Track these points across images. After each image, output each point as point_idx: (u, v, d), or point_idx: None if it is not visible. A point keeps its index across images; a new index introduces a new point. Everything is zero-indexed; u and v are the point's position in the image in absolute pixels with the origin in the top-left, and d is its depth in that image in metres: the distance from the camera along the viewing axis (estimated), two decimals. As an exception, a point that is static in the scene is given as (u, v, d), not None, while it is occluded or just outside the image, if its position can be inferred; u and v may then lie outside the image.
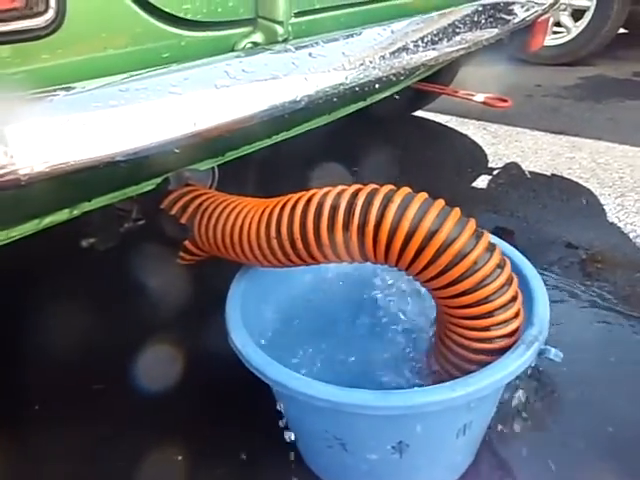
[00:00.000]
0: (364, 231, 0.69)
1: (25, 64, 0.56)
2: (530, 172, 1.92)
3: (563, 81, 2.94)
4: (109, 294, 1.30)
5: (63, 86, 0.56)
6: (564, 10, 3.15)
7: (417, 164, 1.99)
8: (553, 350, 0.69)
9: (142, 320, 1.20)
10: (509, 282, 0.69)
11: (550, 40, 3.19)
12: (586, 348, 1.09)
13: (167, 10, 0.65)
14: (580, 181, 1.83)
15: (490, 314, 0.68)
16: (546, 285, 1.25)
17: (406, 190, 0.70)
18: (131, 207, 1.08)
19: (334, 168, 1.61)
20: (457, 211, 0.68)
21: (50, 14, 0.54)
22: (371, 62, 0.84)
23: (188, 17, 0.68)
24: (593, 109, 2.52)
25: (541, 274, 1.30)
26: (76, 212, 0.85)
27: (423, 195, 0.69)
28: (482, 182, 1.86)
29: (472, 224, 0.68)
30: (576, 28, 3.13)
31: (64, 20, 0.56)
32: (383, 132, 2.24)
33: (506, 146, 2.14)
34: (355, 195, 0.71)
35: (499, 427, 0.92)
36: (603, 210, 1.64)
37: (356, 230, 0.69)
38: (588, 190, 1.77)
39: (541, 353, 0.69)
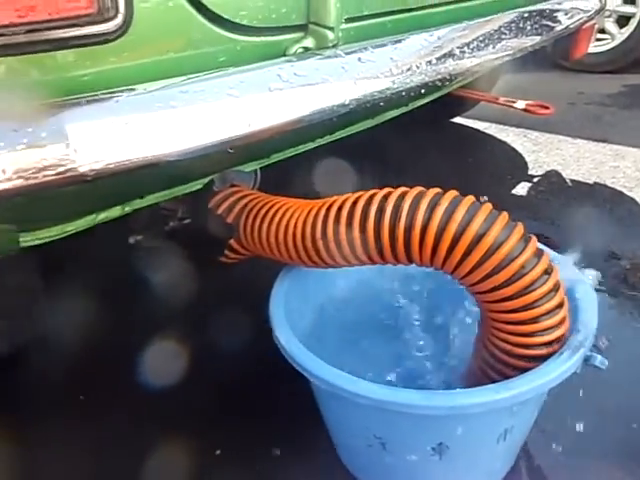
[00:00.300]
0: (410, 234, 0.69)
1: (94, 66, 0.59)
2: (572, 180, 1.89)
3: (607, 89, 2.89)
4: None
5: (127, 87, 0.59)
6: (609, 17, 3.09)
7: (455, 170, 1.98)
8: (599, 357, 0.68)
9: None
10: (556, 288, 0.68)
11: (594, 47, 3.12)
12: (629, 357, 1.07)
13: (225, 16, 0.68)
14: (624, 190, 1.79)
15: (535, 320, 0.68)
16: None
17: (453, 193, 0.70)
18: (176, 207, 1.12)
19: (373, 173, 1.62)
20: (505, 215, 0.69)
21: (119, 19, 0.57)
22: (418, 67, 0.85)
23: (244, 23, 0.70)
24: (637, 117, 2.46)
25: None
26: (128, 209, 0.88)
27: (470, 198, 0.70)
28: (522, 189, 1.84)
29: (520, 228, 0.68)
30: (621, 35, 3.07)
31: (131, 25, 0.59)
32: (421, 138, 2.23)
33: (547, 154, 2.11)
34: (402, 198, 0.72)
35: (538, 434, 0.92)
36: (648, 220, 1.61)
37: (402, 233, 0.70)
38: (632, 199, 1.73)
39: (586, 360, 0.69)
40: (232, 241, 0.94)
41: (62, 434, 0.99)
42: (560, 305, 0.69)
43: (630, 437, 0.92)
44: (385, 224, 0.71)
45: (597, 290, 1.13)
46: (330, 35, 0.77)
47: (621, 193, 1.77)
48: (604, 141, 2.18)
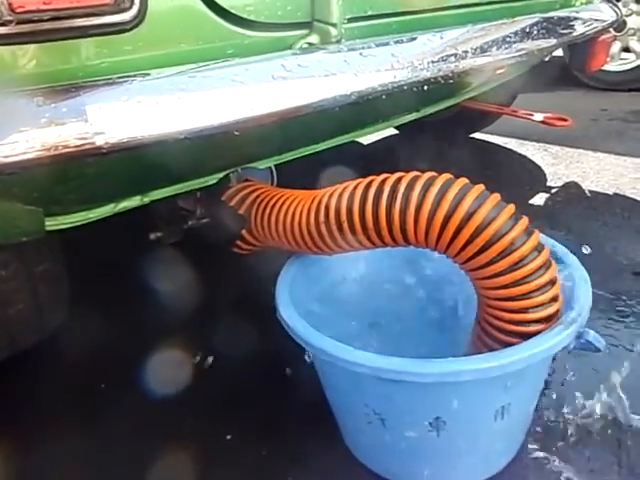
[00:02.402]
0: (405, 213, 0.73)
1: (111, 55, 0.66)
2: (591, 191, 1.89)
3: (631, 106, 2.88)
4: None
5: (141, 72, 0.65)
6: (633, 35, 3.11)
7: (473, 182, 2.00)
8: (592, 332, 0.69)
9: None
10: (546, 265, 0.70)
11: (618, 65, 3.14)
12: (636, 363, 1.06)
13: (233, 12, 0.74)
14: (644, 200, 1.79)
15: (526, 295, 0.70)
16: (602, 300, 1.25)
17: (447, 176, 0.74)
18: (195, 207, 1.18)
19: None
20: (496, 195, 0.72)
21: (134, 10, 0.63)
22: (420, 64, 0.89)
23: (251, 18, 0.76)
24: (662, 133, 2.45)
25: (596, 289, 1.29)
26: (146, 200, 0.94)
27: (463, 180, 0.73)
28: (539, 199, 1.85)
29: (510, 208, 0.71)
30: (645, 53, 3.07)
31: (145, 17, 0.65)
32: (441, 152, 2.27)
33: (566, 167, 2.12)
34: (398, 181, 0.75)
35: (543, 424, 0.92)
36: (667, 228, 1.59)
37: (398, 213, 0.73)
38: (651, 209, 1.72)
39: (579, 336, 0.70)
40: (244, 231, 0.99)
41: (64, 438, 1.00)
42: (551, 282, 0.71)
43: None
44: (382, 206, 0.75)
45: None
46: (333, 32, 0.82)
47: (640, 203, 1.77)
48: (625, 155, 2.18)
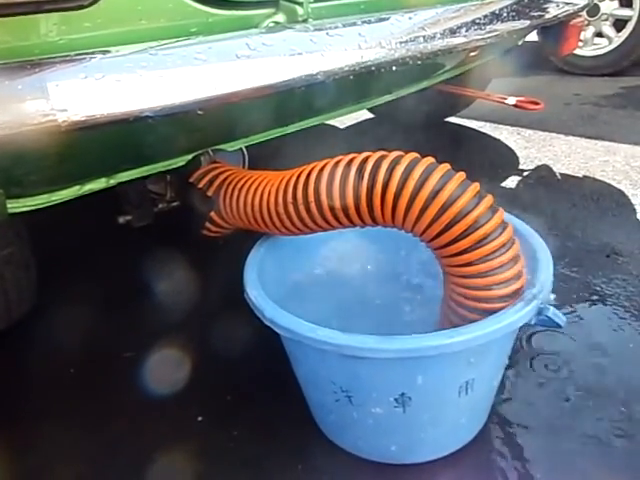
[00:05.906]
0: (372, 192, 0.73)
1: (70, 32, 0.64)
2: (561, 174, 1.92)
3: (603, 90, 2.91)
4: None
5: (101, 49, 0.64)
6: (606, 20, 3.13)
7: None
8: (551, 309, 0.71)
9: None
10: (510, 243, 0.71)
11: (591, 50, 3.17)
12: (607, 342, 1.09)
13: (196, -12, 0.73)
14: (612, 182, 1.81)
15: (490, 272, 0.71)
16: (571, 280, 1.27)
17: (413, 155, 0.74)
18: (165, 190, 1.16)
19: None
20: (461, 174, 0.72)
21: (91, -15, 0.62)
22: (387, 44, 0.89)
23: (215, -4, 0.75)
24: (632, 116, 2.48)
25: (566, 269, 1.31)
26: (113, 182, 0.92)
27: (429, 159, 0.73)
28: (512, 182, 1.87)
29: (475, 186, 0.71)
30: (618, 38, 3.10)
31: (104, -8, 0.64)
32: (415, 135, 2.27)
33: (539, 150, 2.14)
34: (365, 161, 0.76)
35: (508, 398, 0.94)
36: (634, 210, 1.63)
37: (365, 192, 0.74)
38: (620, 191, 1.75)
39: (540, 312, 0.71)
40: (213, 214, 0.98)
41: (60, 440, 0.98)
42: (515, 259, 0.72)
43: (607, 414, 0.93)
44: (349, 185, 0.75)
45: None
46: (300, 10, 0.82)
47: (609, 185, 1.80)
48: (596, 138, 2.21)
